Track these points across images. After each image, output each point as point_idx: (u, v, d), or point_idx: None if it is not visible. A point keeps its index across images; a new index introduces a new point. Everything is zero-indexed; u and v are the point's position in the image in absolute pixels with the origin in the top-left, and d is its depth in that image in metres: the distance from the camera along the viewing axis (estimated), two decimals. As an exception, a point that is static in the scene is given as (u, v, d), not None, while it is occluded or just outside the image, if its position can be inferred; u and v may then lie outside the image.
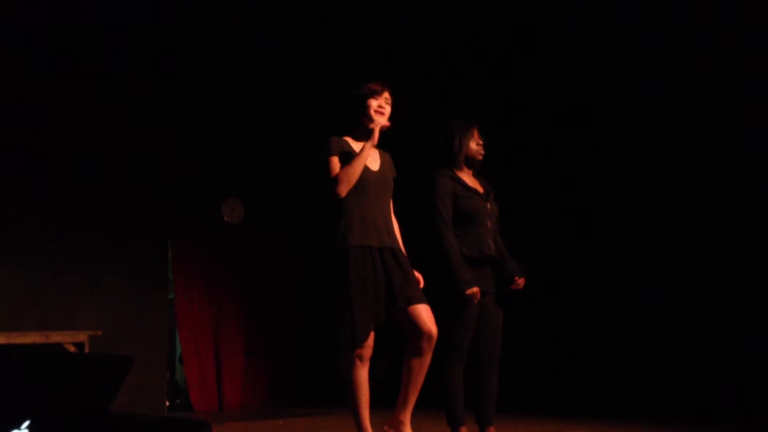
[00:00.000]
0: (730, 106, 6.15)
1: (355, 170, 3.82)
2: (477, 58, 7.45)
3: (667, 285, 6.53)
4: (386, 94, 3.98)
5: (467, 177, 4.38)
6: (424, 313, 3.83)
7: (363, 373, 3.81)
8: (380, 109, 3.96)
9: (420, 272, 4.10)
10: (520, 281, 4.36)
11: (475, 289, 4.09)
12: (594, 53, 6.92)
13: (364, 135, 3.96)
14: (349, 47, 7.58)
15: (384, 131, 3.93)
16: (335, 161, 3.88)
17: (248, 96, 7.56)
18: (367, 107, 3.95)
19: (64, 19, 6.59)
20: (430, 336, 3.80)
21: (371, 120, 3.95)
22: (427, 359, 3.85)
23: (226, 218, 7.46)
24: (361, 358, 3.79)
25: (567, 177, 7.18)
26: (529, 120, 7.33)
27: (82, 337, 5.98)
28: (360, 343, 3.75)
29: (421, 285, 4.02)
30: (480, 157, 4.37)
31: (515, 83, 7.35)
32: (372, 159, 4.00)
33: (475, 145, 4.36)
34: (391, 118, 3.99)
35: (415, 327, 3.82)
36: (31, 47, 6.46)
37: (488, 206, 4.34)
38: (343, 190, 3.82)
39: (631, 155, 6.82)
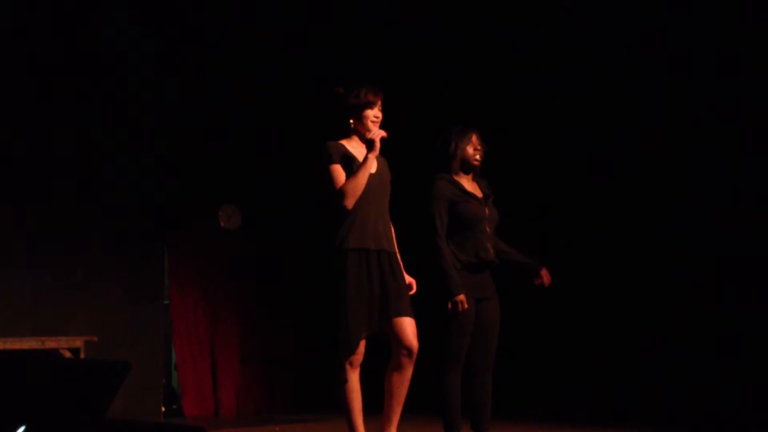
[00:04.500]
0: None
1: (361, 182, 3.86)
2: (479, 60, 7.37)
3: (664, 287, 6.52)
4: (380, 103, 4.03)
5: (465, 181, 4.37)
6: (408, 327, 3.87)
7: (354, 378, 3.84)
8: (376, 119, 4.01)
9: (414, 278, 4.12)
10: (543, 273, 4.35)
11: (461, 297, 4.08)
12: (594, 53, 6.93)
13: (358, 140, 4.01)
14: (346, 51, 7.57)
15: (382, 140, 3.97)
16: (337, 169, 3.91)
17: (245, 101, 7.55)
18: (364, 117, 3.99)
19: (66, 17, 6.58)
20: (410, 350, 3.86)
21: (368, 130, 3.97)
22: (408, 373, 3.89)
23: (222, 224, 7.45)
24: (351, 363, 3.82)
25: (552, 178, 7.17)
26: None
27: (78, 342, 5.95)
28: (352, 349, 3.79)
29: (413, 290, 4.06)
30: (476, 163, 4.36)
31: (516, 86, 7.29)
32: None
33: (471, 150, 4.35)
34: (390, 122, 4.03)
35: (398, 340, 3.88)
36: (29, 46, 6.46)
37: (487, 210, 4.33)
38: (350, 203, 3.86)
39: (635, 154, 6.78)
